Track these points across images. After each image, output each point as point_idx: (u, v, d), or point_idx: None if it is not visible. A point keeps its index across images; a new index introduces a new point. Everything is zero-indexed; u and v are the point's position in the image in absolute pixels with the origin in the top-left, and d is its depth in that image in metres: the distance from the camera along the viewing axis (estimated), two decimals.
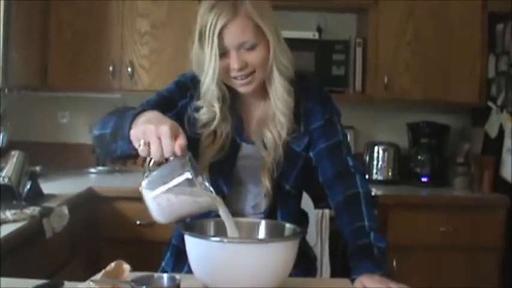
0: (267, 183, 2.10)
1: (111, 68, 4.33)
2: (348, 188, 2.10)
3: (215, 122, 2.10)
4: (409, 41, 4.42)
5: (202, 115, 2.11)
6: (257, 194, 2.17)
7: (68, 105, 4.81)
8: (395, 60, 4.43)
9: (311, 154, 2.18)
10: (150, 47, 4.37)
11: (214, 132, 2.11)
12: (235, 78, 2.04)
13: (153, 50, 4.37)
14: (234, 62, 2.01)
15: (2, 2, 3.58)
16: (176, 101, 2.15)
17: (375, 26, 4.44)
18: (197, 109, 2.12)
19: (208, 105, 2.10)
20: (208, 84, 2.05)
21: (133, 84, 4.36)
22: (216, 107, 2.09)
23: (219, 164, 2.12)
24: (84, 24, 4.36)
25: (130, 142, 1.70)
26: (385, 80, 4.39)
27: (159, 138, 1.61)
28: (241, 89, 2.07)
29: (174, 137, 1.61)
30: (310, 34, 4.52)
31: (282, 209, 2.16)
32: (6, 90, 3.85)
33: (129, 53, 4.37)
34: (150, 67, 4.36)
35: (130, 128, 1.70)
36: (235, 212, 2.08)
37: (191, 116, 2.12)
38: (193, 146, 1.99)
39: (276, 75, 2.08)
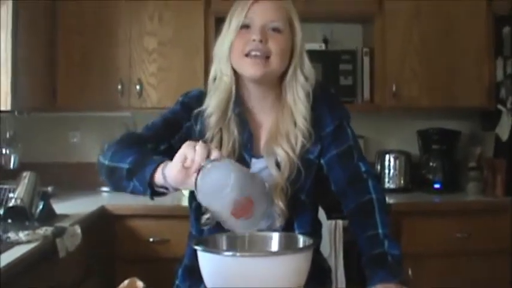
0: (280, 204, 2.04)
1: (119, 87, 4.35)
2: (361, 194, 2.08)
3: (226, 120, 2.07)
4: (416, 48, 4.42)
5: (211, 117, 2.08)
6: (270, 213, 2.09)
7: (78, 124, 4.83)
8: (402, 68, 4.43)
9: (322, 161, 2.14)
10: (158, 64, 4.38)
11: (220, 147, 2.05)
12: (248, 55, 2.02)
13: (161, 68, 4.38)
14: (256, 33, 2.01)
15: (10, 26, 3.60)
16: (181, 123, 2.13)
17: (380, 34, 4.45)
18: (207, 115, 2.09)
19: (217, 104, 2.08)
20: (221, 65, 2.08)
21: (142, 102, 4.37)
22: (230, 104, 2.08)
23: None
24: (92, 45, 4.38)
25: (148, 186, 1.76)
26: (393, 88, 4.38)
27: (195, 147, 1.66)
28: (251, 70, 2.03)
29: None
30: (317, 45, 4.52)
31: (299, 221, 2.12)
32: (16, 112, 3.87)
33: (137, 71, 4.38)
34: (158, 84, 4.37)
35: (152, 176, 1.74)
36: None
37: (199, 130, 2.11)
38: None
39: (299, 79, 2.08)
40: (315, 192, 2.16)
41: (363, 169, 2.13)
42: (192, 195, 2.12)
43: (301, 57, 2.10)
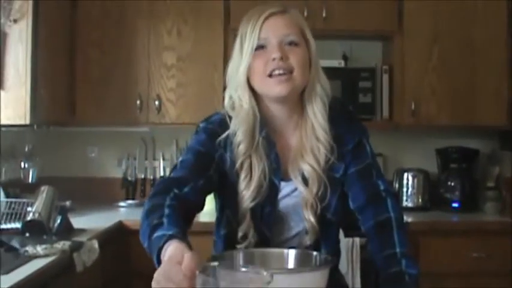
0: (311, 219, 2.04)
1: (138, 102, 4.36)
2: (379, 213, 2.05)
3: (252, 145, 2.04)
4: (435, 66, 4.41)
5: (240, 145, 2.04)
6: (300, 231, 2.12)
7: (96, 139, 4.84)
8: (421, 86, 4.41)
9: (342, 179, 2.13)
10: (176, 80, 4.39)
11: (250, 173, 2.04)
12: (271, 75, 1.99)
13: (179, 83, 4.39)
14: (275, 51, 1.98)
15: (30, 40, 3.63)
16: (212, 153, 2.06)
17: (400, 52, 4.44)
18: (235, 144, 2.06)
19: (244, 131, 2.04)
20: (239, 92, 2.06)
21: (161, 117, 4.38)
22: (255, 129, 2.05)
23: (260, 210, 2.06)
24: (111, 60, 4.40)
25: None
26: (412, 106, 4.37)
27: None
28: (278, 89, 1.99)
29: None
30: (336, 62, 4.52)
31: (325, 240, 2.10)
32: (35, 126, 3.89)
33: (156, 86, 4.39)
34: (177, 100, 4.38)
35: (159, 262, 1.72)
36: (278, 241, 2.10)
37: (229, 156, 2.07)
38: (233, 195, 2.04)
39: (318, 90, 2.07)
40: (341, 211, 2.13)
41: (382, 187, 2.10)
42: (219, 221, 2.16)
43: (317, 68, 2.09)
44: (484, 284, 4.01)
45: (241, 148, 2.04)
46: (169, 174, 2.03)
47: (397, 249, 1.98)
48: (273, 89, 2.00)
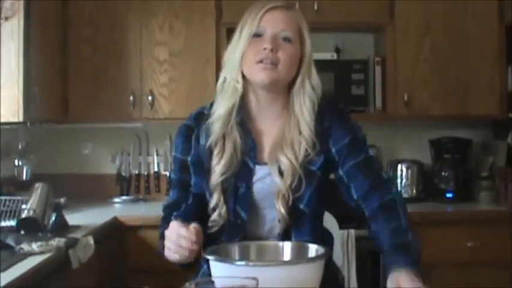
0: (281, 210, 2.10)
1: (131, 98, 4.36)
2: (383, 196, 2.09)
3: (229, 125, 2.15)
4: (427, 58, 4.42)
5: (215, 123, 2.15)
6: (272, 219, 2.17)
7: (90, 136, 4.84)
8: (414, 77, 4.42)
9: (340, 173, 2.15)
10: (169, 75, 4.39)
11: (223, 150, 2.14)
12: (260, 62, 2.07)
13: (172, 78, 4.39)
14: (267, 42, 2.07)
15: (22, 38, 3.62)
16: (187, 157, 2.23)
17: (392, 44, 4.45)
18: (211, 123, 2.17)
19: (223, 112, 2.14)
20: (232, 73, 2.14)
21: (154, 112, 4.38)
22: (234, 109, 2.15)
23: (235, 190, 2.14)
24: (102, 57, 4.39)
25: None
26: (405, 98, 4.38)
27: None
28: (261, 75, 2.08)
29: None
30: (329, 55, 4.53)
31: (296, 229, 2.14)
32: (28, 124, 3.88)
33: (149, 82, 4.39)
34: (169, 95, 4.38)
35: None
36: (253, 236, 2.14)
37: (205, 134, 2.18)
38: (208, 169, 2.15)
39: (307, 88, 2.14)
40: (316, 203, 2.17)
41: (385, 176, 2.17)
42: None
43: (309, 67, 2.16)
44: (479, 273, 4.03)
45: (216, 126, 2.15)
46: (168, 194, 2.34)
47: (403, 222, 2.03)
48: (257, 74, 2.09)
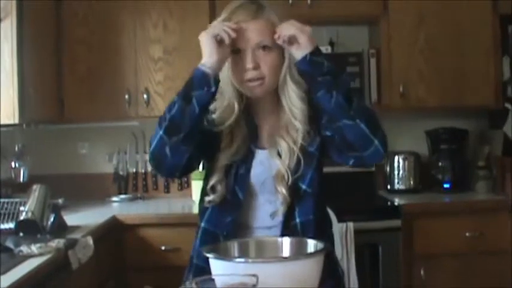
0: (283, 190, 2.15)
1: (127, 96, 4.35)
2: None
3: (232, 118, 2.19)
4: (422, 49, 4.41)
5: (219, 113, 2.20)
6: (274, 201, 2.21)
7: (86, 135, 4.83)
8: (409, 69, 4.42)
9: (328, 133, 2.16)
10: (164, 73, 4.39)
11: (232, 134, 2.21)
12: (248, 81, 2.13)
13: (167, 76, 4.39)
14: (248, 61, 2.12)
15: (15, 39, 3.61)
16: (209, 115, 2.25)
17: (386, 36, 4.44)
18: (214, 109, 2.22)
19: (226, 105, 2.20)
20: (226, 82, 2.18)
21: (150, 110, 4.38)
22: (235, 105, 2.19)
23: (235, 171, 2.20)
24: (97, 56, 4.39)
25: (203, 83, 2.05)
26: (401, 89, 4.38)
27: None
28: (254, 92, 2.16)
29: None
30: (323, 48, 4.48)
31: (300, 209, 2.18)
32: (24, 125, 3.87)
33: (144, 80, 4.39)
34: (165, 93, 4.37)
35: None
36: (252, 219, 2.21)
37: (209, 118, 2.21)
38: (212, 145, 2.19)
39: (290, 85, 2.17)
40: (318, 183, 2.21)
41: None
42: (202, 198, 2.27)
43: (289, 64, 2.17)
44: (478, 263, 4.05)
45: (224, 114, 2.20)
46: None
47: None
48: (249, 92, 2.18)
